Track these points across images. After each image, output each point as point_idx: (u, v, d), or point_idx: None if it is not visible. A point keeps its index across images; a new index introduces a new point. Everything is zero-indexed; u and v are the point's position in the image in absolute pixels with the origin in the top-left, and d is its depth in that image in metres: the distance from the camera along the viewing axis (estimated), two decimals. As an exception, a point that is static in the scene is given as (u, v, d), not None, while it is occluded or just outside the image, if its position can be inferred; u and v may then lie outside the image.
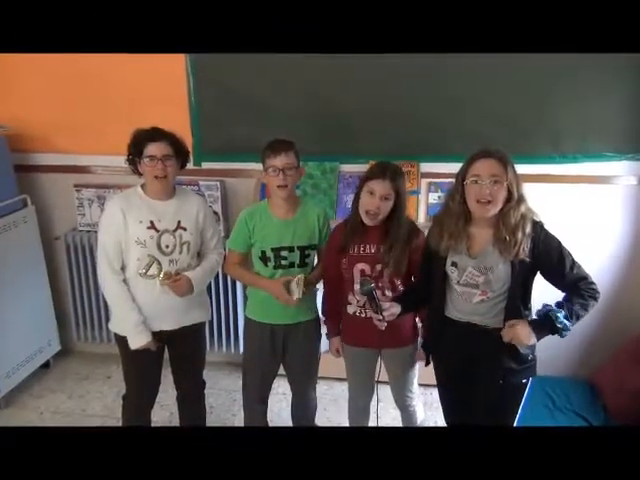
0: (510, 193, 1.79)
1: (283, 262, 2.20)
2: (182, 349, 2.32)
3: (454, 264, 1.89)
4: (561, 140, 2.79)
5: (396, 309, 1.95)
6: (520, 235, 1.77)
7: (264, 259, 2.21)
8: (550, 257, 1.80)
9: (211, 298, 2.68)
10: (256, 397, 2.37)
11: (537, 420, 2.62)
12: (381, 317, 1.93)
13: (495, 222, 1.82)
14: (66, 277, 3.26)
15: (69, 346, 3.47)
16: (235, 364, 3.27)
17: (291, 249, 2.20)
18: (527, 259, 1.78)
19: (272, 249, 2.19)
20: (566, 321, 1.74)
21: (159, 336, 2.20)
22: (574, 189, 2.85)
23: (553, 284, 1.85)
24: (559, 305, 1.79)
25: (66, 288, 3.29)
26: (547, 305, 1.81)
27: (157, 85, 2.97)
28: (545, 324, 1.78)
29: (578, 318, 1.77)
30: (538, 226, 1.82)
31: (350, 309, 2.21)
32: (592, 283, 1.81)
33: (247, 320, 2.34)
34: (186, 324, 2.25)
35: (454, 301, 1.95)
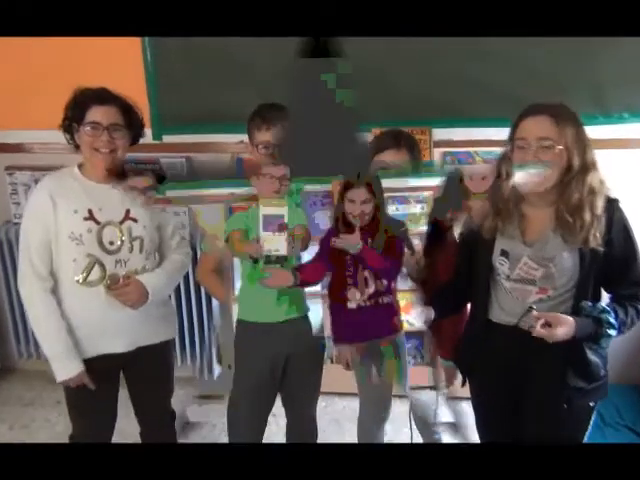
0: (570, 160, 1.52)
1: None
2: (142, 375, 1.99)
3: (504, 253, 1.63)
4: (604, 96, 2.50)
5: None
6: (588, 216, 1.50)
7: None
8: (619, 247, 1.55)
9: (179, 310, 2.46)
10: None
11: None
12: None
13: (555, 199, 1.56)
14: (0, 281, 2.97)
15: (9, 365, 3.24)
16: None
17: None
18: (600, 248, 1.51)
19: None
20: (614, 332, 1.52)
21: (110, 361, 1.86)
22: (621, 155, 2.49)
23: (607, 281, 1.59)
24: (615, 312, 1.53)
25: (1, 294, 3.01)
26: (599, 306, 1.54)
27: (104, 40, 2.46)
28: (593, 332, 1.52)
29: (629, 329, 1.58)
30: (613, 205, 1.55)
31: (350, 305, 1.90)
32: None
33: (240, 324, 1.97)
34: (144, 344, 1.92)
35: (501, 301, 1.67)
